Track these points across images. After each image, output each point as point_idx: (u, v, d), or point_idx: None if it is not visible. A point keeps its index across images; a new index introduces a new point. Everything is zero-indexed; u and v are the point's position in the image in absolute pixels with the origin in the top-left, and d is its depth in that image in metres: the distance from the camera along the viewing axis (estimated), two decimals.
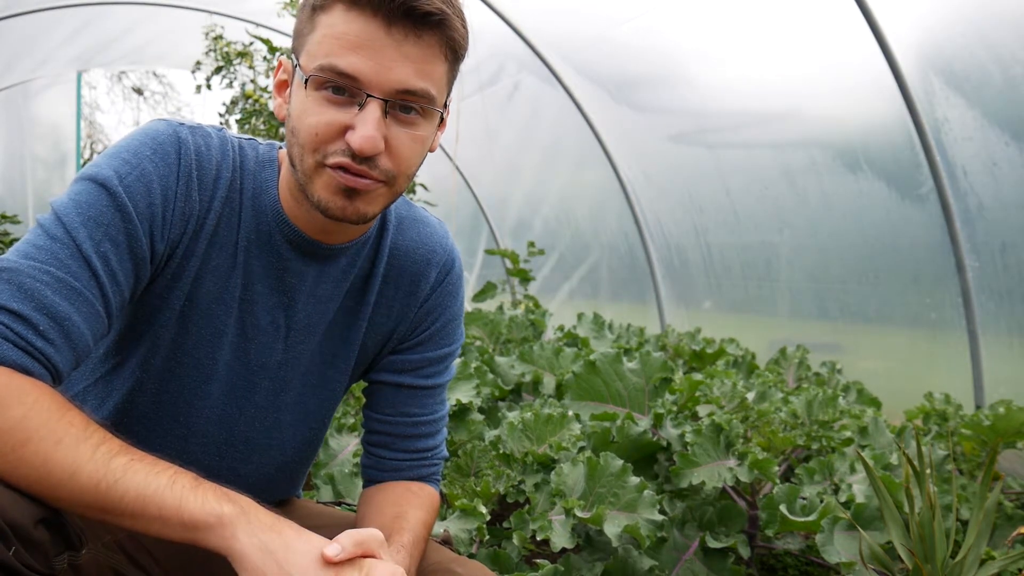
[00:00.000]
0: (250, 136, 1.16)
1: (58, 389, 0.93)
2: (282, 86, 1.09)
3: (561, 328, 3.95)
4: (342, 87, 0.99)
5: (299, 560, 0.88)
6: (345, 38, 0.97)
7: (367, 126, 0.98)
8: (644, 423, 2.20)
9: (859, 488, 2.07)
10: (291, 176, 1.08)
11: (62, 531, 0.93)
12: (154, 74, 14.90)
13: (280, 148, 1.16)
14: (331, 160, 1.00)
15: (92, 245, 0.96)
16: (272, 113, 5.09)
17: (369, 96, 0.98)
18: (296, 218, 1.11)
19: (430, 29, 0.99)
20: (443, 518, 1.79)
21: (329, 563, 0.89)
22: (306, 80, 1.00)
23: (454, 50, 1.03)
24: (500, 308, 4.31)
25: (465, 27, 1.03)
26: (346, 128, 0.99)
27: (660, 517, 1.78)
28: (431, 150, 1.09)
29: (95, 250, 0.96)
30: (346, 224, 1.08)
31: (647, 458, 2.21)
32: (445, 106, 1.07)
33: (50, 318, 0.92)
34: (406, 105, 1.01)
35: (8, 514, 0.84)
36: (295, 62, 1.04)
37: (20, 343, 0.90)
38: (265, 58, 5.29)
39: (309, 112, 1.00)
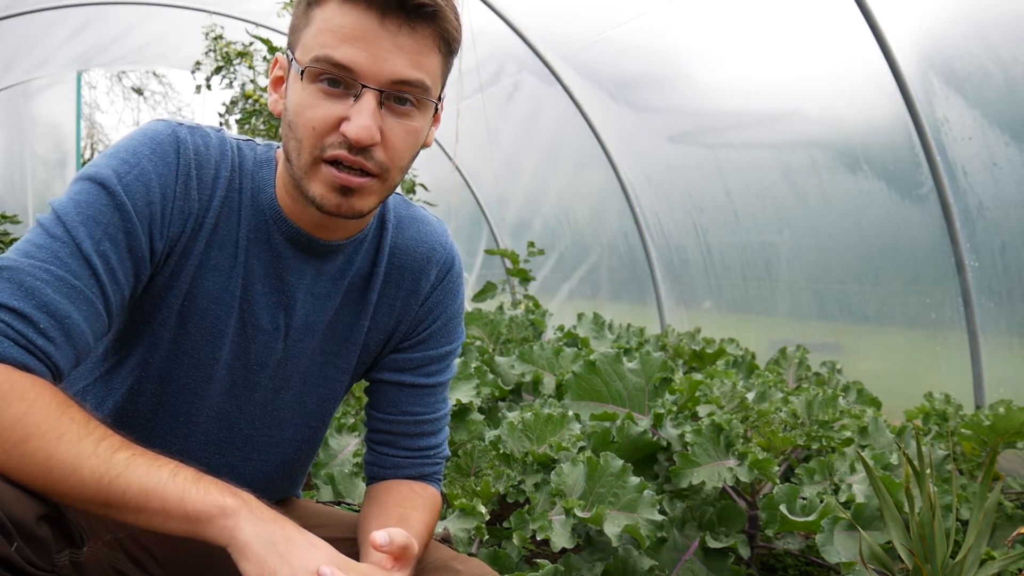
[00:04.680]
0: (248, 137, 1.17)
1: (59, 387, 0.93)
2: (278, 82, 1.10)
3: (561, 328, 3.95)
4: (337, 79, 1.00)
5: (300, 552, 0.88)
6: (340, 30, 0.98)
7: (363, 116, 0.99)
8: (644, 423, 2.20)
9: (859, 488, 2.07)
10: (287, 172, 1.09)
11: (64, 528, 0.93)
12: (154, 74, 14.90)
13: (277, 148, 1.16)
14: (328, 153, 1.01)
15: (92, 244, 0.96)
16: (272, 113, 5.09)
17: (364, 87, 0.99)
18: (293, 215, 1.12)
19: (424, 21, 1.00)
20: (443, 517, 1.79)
21: (373, 546, 0.95)
22: (302, 72, 1.00)
23: (447, 42, 1.04)
24: (500, 308, 4.31)
25: (458, 20, 1.05)
26: (342, 120, 1.00)
27: (660, 517, 1.78)
28: (426, 145, 1.10)
29: (95, 249, 0.96)
30: (342, 220, 1.09)
31: (647, 458, 2.21)
32: (439, 99, 1.08)
33: (50, 316, 0.92)
34: (401, 96, 1.02)
35: (10, 510, 0.85)
36: (291, 57, 1.04)
37: (21, 341, 0.90)
38: (265, 58, 5.29)
39: (306, 106, 1.01)
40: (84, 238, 0.96)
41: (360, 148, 1.00)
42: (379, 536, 0.95)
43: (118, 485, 0.87)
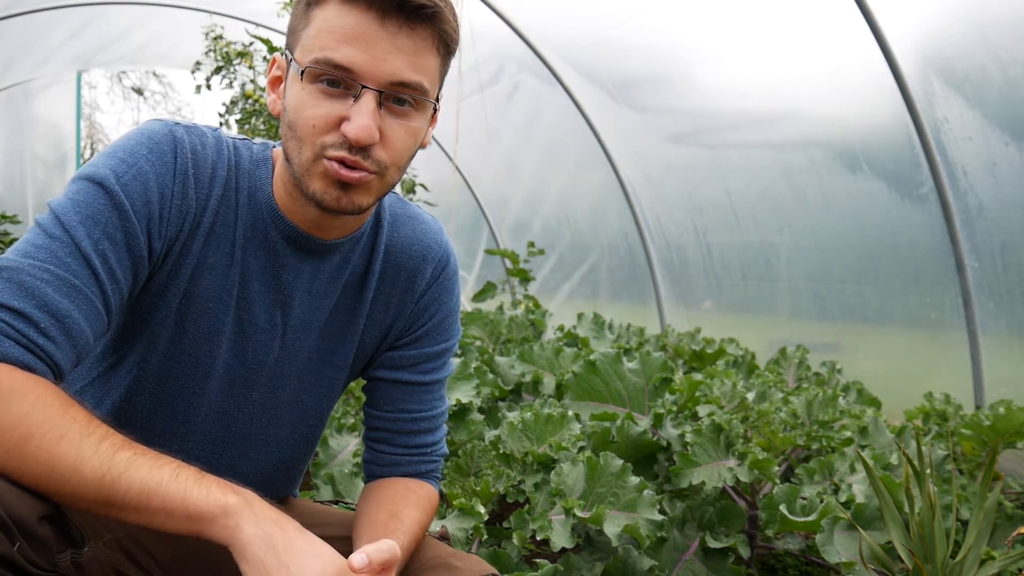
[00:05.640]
0: (244, 136, 1.17)
1: (59, 387, 0.93)
2: (276, 82, 1.10)
3: (561, 328, 3.95)
4: (337, 80, 1.00)
5: (299, 558, 0.88)
6: (340, 31, 0.99)
7: (362, 116, 0.99)
8: (644, 423, 2.20)
9: (859, 488, 2.07)
10: (286, 171, 1.09)
11: (65, 528, 0.93)
12: (154, 74, 14.91)
13: (274, 147, 1.16)
14: (328, 152, 1.01)
15: (91, 243, 0.96)
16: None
17: (364, 87, 0.99)
18: (291, 214, 1.12)
19: (423, 22, 1.00)
20: (442, 516, 1.79)
21: (351, 570, 0.92)
22: (302, 73, 1.01)
23: (446, 43, 1.05)
24: (500, 308, 4.31)
25: (456, 21, 1.05)
26: (342, 120, 1.01)
27: (660, 517, 1.78)
28: (423, 145, 1.11)
29: (94, 248, 0.96)
30: (341, 218, 1.09)
31: (647, 458, 2.21)
32: (437, 99, 1.08)
33: (51, 315, 0.92)
34: (400, 97, 1.02)
35: (12, 509, 0.85)
36: (290, 57, 1.04)
37: (22, 340, 0.90)
38: (265, 58, 5.29)
39: (305, 105, 1.01)
40: (83, 237, 0.96)
41: (360, 148, 1.00)
42: (356, 560, 0.92)
43: (120, 484, 0.87)
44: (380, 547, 0.95)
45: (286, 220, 1.12)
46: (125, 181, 1.00)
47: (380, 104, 1.01)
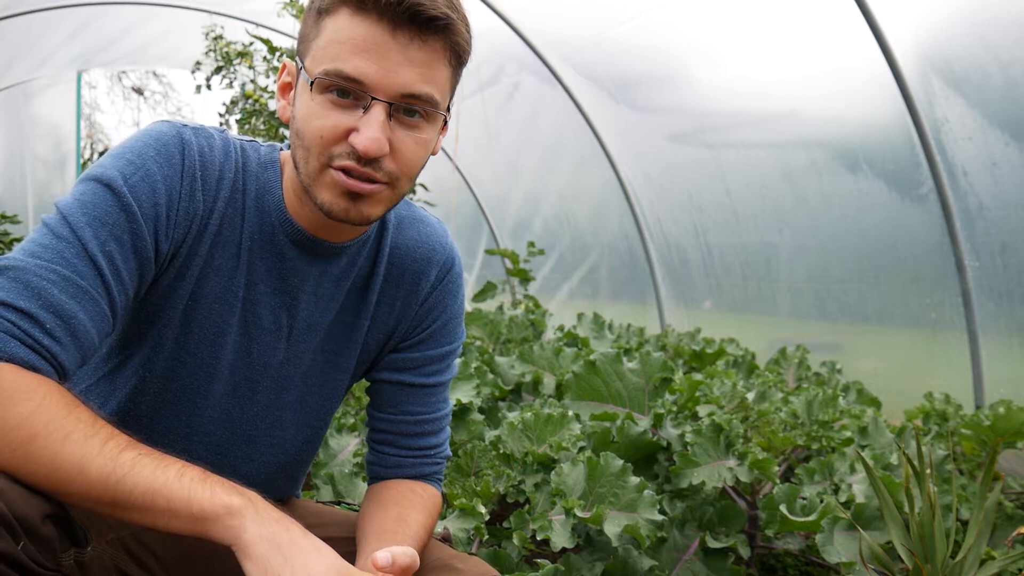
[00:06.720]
0: (251, 138, 1.17)
1: (64, 387, 0.93)
2: (286, 88, 1.10)
3: (561, 328, 3.95)
4: (347, 90, 0.99)
5: (303, 557, 0.89)
6: (351, 42, 0.98)
7: (372, 128, 0.99)
8: (644, 423, 2.21)
9: (859, 488, 2.07)
10: (295, 177, 1.09)
11: (68, 528, 0.93)
12: (154, 74, 14.91)
13: (281, 150, 1.17)
14: (336, 163, 1.01)
15: (97, 244, 0.96)
16: (272, 113, 5.10)
17: (374, 99, 0.99)
18: (299, 217, 1.12)
19: (435, 34, 1.00)
20: (443, 517, 1.79)
21: (374, 566, 0.97)
22: (311, 83, 1.00)
23: (458, 55, 1.04)
24: (500, 308, 4.32)
25: (469, 32, 1.05)
26: (351, 131, 1.00)
27: (660, 517, 1.78)
28: (433, 153, 1.10)
29: (100, 249, 0.97)
30: (349, 224, 1.09)
31: (647, 458, 2.21)
32: (448, 110, 1.08)
33: (56, 316, 0.92)
34: (410, 108, 1.02)
35: (17, 508, 0.85)
36: (300, 65, 1.04)
37: (27, 340, 0.91)
38: (265, 58, 5.28)
39: (314, 115, 1.01)
40: (90, 239, 0.96)
41: (369, 159, 1.00)
42: (381, 557, 0.97)
43: (125, 484, 0.88)
44: (405, 551, 1.00)
45: (294, 223, 1.12)
46: (133, 183, 1.00)
47: (390, 115, 1.00)
